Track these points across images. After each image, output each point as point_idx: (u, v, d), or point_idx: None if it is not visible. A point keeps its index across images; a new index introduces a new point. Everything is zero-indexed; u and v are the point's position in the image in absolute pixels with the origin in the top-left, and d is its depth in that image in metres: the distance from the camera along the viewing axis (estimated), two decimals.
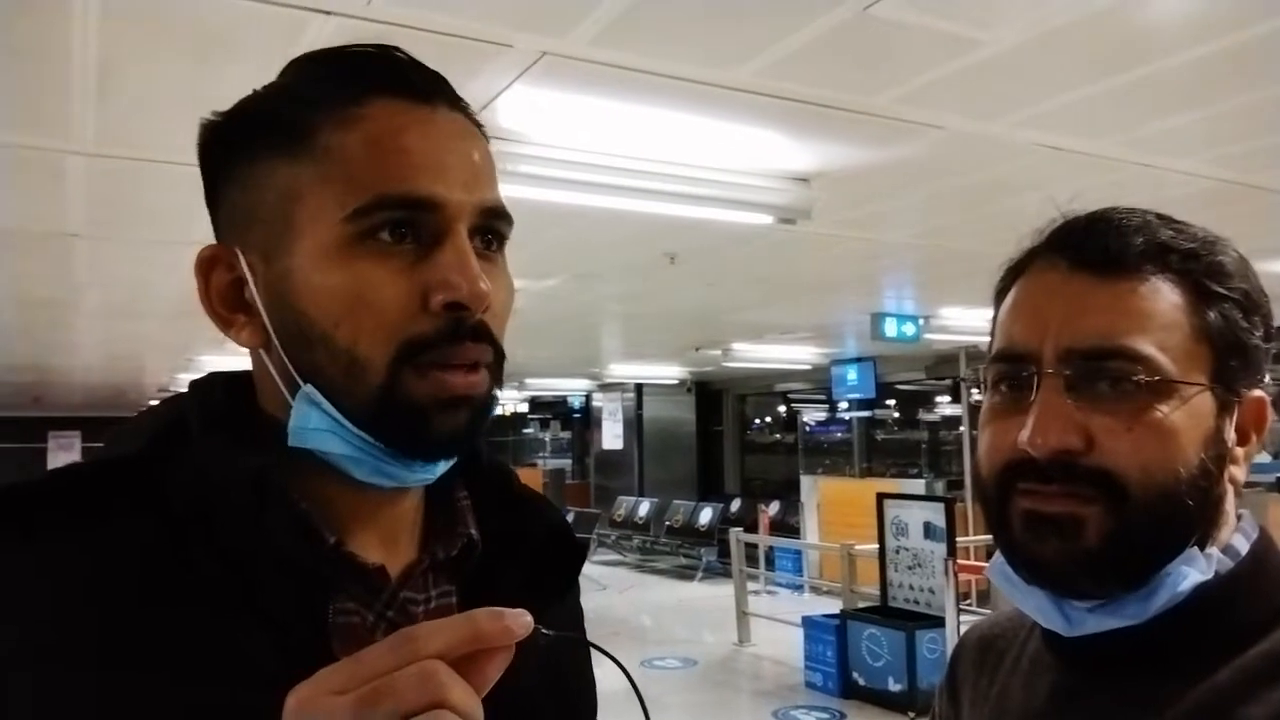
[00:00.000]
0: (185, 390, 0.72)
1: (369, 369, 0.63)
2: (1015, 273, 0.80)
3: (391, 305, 0.63)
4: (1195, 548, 0.73)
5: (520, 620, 0.51)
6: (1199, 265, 0.74)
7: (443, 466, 0.68)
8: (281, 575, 0.61)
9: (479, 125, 0.71)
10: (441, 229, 0.64)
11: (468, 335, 0.64)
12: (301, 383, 0.65)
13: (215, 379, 0.72)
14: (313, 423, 0.64)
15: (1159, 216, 0.76)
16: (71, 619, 0.58)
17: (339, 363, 0.63)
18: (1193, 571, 0.72)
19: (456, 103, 0.69)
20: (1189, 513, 0.72)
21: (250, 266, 0.66)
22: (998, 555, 0.79)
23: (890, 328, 7.74)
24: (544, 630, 0.53)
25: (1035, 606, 0.77)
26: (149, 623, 0.58)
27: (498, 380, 0.67)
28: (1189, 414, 0.71)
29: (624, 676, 0.64)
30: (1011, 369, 0.76)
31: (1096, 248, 0.74)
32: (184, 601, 0.59)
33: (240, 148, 0.67)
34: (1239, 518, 0.78)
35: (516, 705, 0.66)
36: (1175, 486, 0.71)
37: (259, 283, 0.66)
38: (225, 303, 0.68)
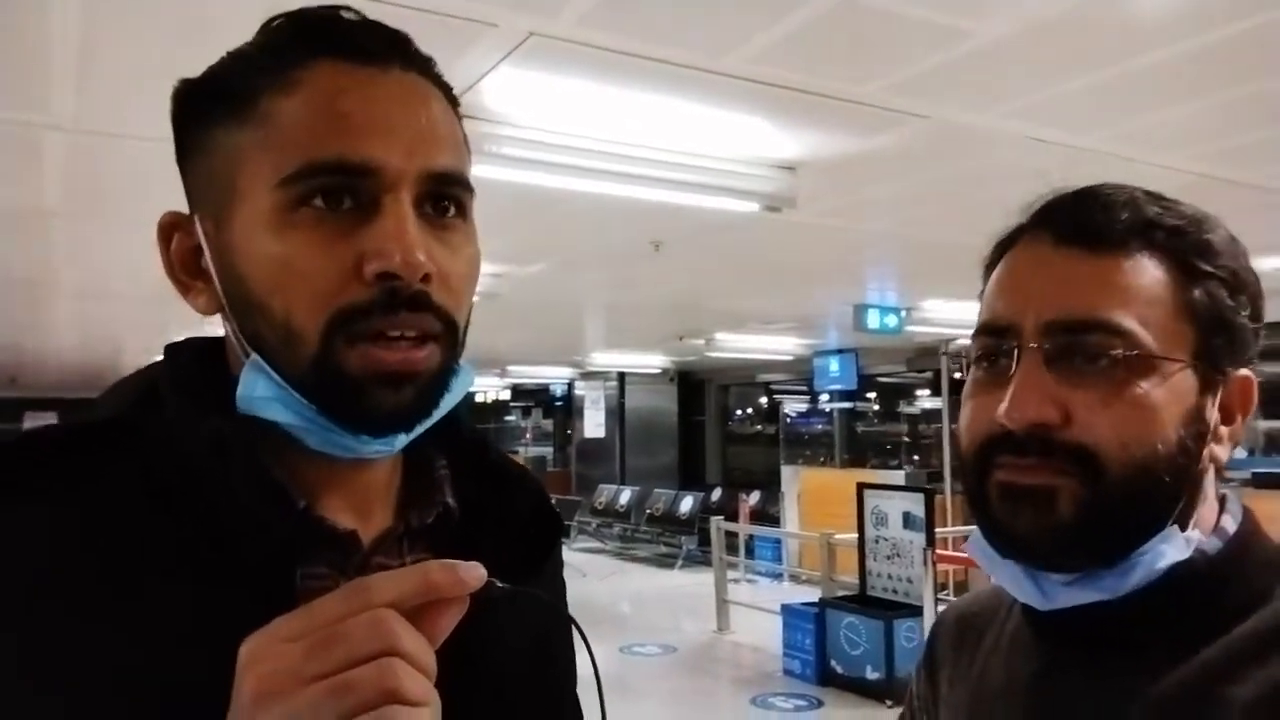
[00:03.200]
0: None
1: (303, 339, 0.62)
2: (1003, 248, 0.80)
3: (320, 275, 0.61)
4: (1174, 527, 0.73)
5: (473, 572, 0.52)
6: (1185, 242, 0.74)
7: (401, 439, 0.67)
8: (250, 538, 0.61)
9: (444, 87, 0.68)
10: (378, 195, 0.62)
11: (404, 305, 0.61)
12: (250, 351, 0.64)
13: (189, 344, 0.72)
14: (259, 391, 0.63)
15: (1147, 193, 0.76)
16: (49, 579, 0.58)
17: (277, 332, 0.62)
18: (1170, 550, 0.72)
19: (412, 63, 0.66)
20: (1166, 490, 0.72)
21: (205, 233, 0.66)
22: (976, 530, 0.79)
23: (873, 319, 7.76)
24: (498, 583, 0.53)
25: (1011, 580, 0.77)
26: (123, 584, 0.58)
27: (450, 352, 0.65)
28: (1169, 391, 0.71)
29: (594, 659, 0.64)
30: (993, 343, 0.76)
31: (1082, 222, 0.74)
32: (158, 562, 0.59)
33: (200, 114, 0.66)
34: (1224, 498, 0.78)
35: (500, 665, 0.67)
36: (1152, 463, 0.71)
37: (211, 249, 0.66)
38: (185, 269, 0.68)
